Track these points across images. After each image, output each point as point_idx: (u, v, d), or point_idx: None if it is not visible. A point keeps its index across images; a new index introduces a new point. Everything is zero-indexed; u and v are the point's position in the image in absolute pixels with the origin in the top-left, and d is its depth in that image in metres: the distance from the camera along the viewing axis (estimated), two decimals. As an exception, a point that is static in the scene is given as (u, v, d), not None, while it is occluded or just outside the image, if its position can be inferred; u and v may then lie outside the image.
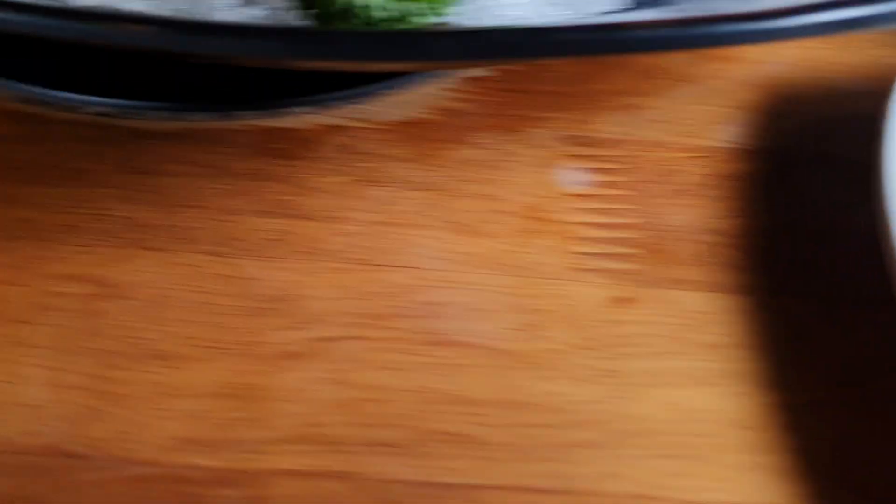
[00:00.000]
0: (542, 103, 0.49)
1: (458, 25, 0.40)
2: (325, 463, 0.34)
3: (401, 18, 0.37)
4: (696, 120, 0.48)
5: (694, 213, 0.44)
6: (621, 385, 0.37)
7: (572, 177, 0.45)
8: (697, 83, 0.51)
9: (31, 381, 0.35)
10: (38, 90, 0.43)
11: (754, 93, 0.50)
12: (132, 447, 0.34)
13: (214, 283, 0.38)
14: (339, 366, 0.37)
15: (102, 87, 0.44)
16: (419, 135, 0.46)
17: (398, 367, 0.37)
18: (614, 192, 0.44)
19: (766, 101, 0.50)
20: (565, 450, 0.35)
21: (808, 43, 0.53)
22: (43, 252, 0.39)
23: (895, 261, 0.36)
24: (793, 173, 0.45)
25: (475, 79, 0.49)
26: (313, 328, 0.38)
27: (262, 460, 0.34)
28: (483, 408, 0.36)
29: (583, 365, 0.38)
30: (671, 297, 0.40)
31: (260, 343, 0.37)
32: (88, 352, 0.36)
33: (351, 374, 0.37)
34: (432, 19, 0.38)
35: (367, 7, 0.36)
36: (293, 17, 0.39)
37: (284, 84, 0.46)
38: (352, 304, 0.39)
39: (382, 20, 0.36)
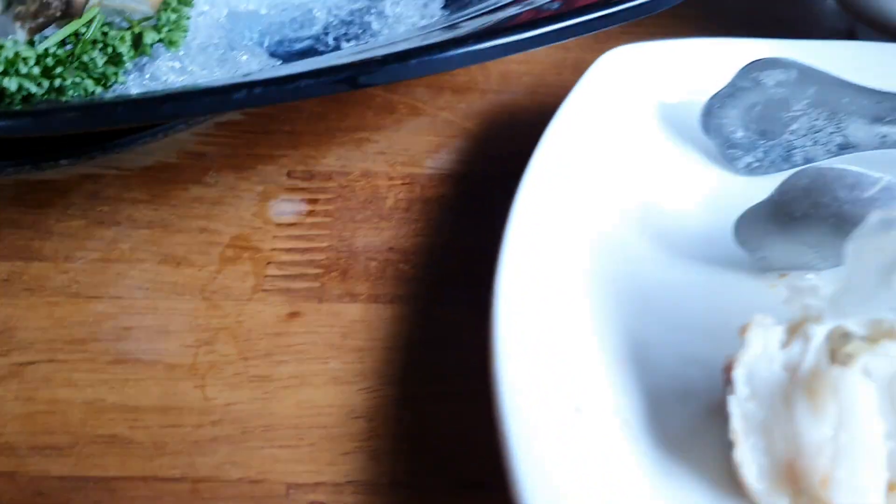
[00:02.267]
0: (278, 142, 0.55)
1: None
2: (-6, 465, 0.41)
3: (59, 89, 0.44)
4: (413, 150, 0.54)
5: (381, 235, 0.49)
6: (268, 388, 0.43)
7: (284, 208, 0.51)
8: (427, 115, 0.57)
9: None
10: None
11: (476, 122, 0.56)
12: None
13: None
14: (30, 385, 0.43)
15: None
16: (158, 178, 0.52)
17: (79, 384, 0.43)
18: (317, 219, 0.50)
19: (483, 130, 0.55)
20: (199, 444, 0.41)
21: (539, 72, 0.58)
22: None
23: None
24: (478, 196, 0.50)
25: (224, 123, 0.56)
26: (15, 354, 0.45)
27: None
28: (142, 414, 0.42)
29: (240, 373, 0.43)
30: (336, 309, 0.46)
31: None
32: None
33: (38, 391, 0.43)
34: (96, 90, 0.45)
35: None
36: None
37: (51, 141, 0.54)
38: (56, 332, 0.45)
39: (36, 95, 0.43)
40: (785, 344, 0.34)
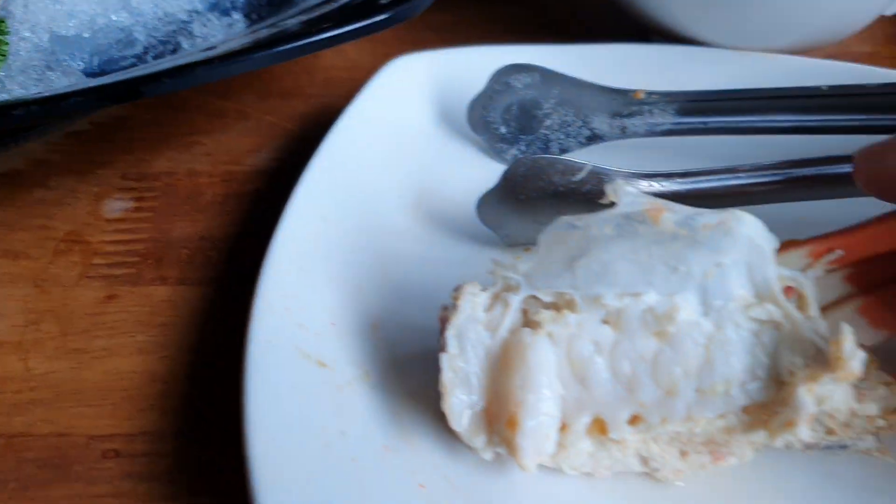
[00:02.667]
0: (117, 148, 0.62)
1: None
2: None
3: None
4: (236, 150, 0.61)
5: (196, 226, 0.56)
6: (82, 359, 0.49)
7: (115, 206, 0.58)
8: (253, 119, 0.63)
9: None
10: None
11: (297, 123, 0.62)
12: None
13: None
14: None
15: None
16: (4, 183, 0.59)
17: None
18: (142, 214, 0.57)
19: (303, 130, 0.62)
20: (17, 406, 0.47)
21: (362, 77, 0.64)
22: None
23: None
24: (288, 189, 0.57)
25: (72, 133, 0.63)
26: None
27: None
28: (-33, 386, 0.49)
29: (59, 347, 0.50)
30: (148, 291, 0.52)
31: None
32: None
33: None
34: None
35: None
36: None
37: None
38: None
39: None
40: (488, 308, 0.41)
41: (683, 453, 0.40)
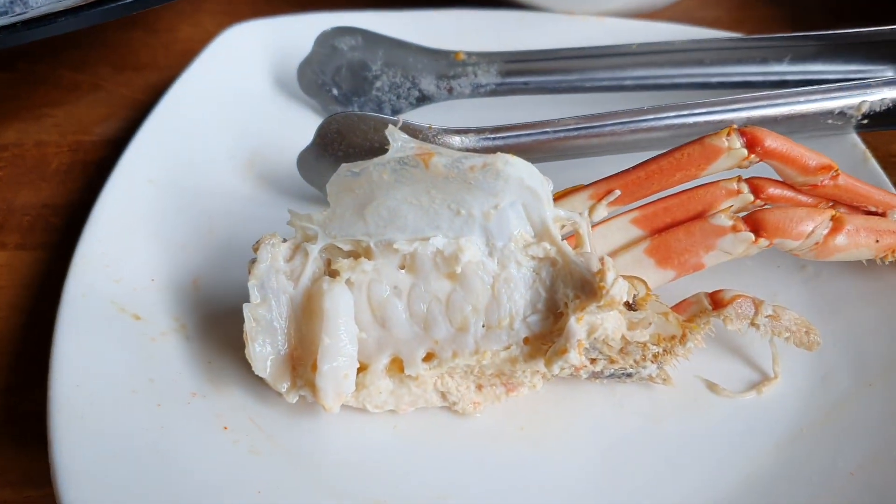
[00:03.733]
0: (-33, 122, 0.62)
1: None
2: None
3: None
4: (86, 121, 0.61)
5: (40, 194, 0.56)
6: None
7: (-41, 177, 0.58)
8: (106, 91, 0.64)
9: None
10: None
11: (149, 94, 0.63)
12: None
13: None
14: None
15: None
16: None
17: None
18: (-11, 184, 0.58)
19: (153, 101, 0.63)
20: None
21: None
22: None
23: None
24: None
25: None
26: None
27: None
28: None
29: None
30: (-13, 258, 0.53)
31: None
32: None
33: None
34: None
35: None
36: None
37: None
38: None
39: None
40: (289, 258, 0.43)
41: (479, 386, 0.42)
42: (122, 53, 0.66)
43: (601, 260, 0.39)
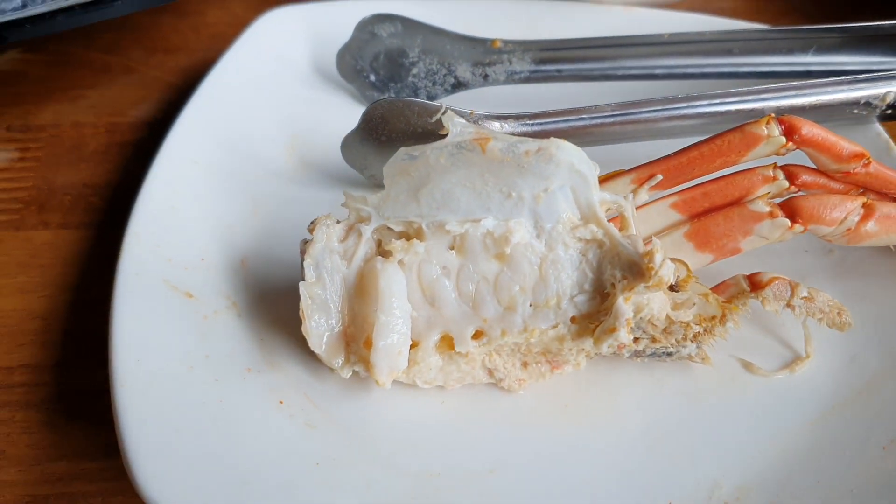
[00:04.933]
0: (4, 102, 0.62)
1: None
2: None
3: None
4: (120, 103, 0.62)
5: (79, 174, 0.57)
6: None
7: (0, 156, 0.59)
8: (138, 73, 0.65)
9: None
10: None
11: (181, 77, 0.64)
12: None
13: None
14: None
15: None
16: None
17: None
18: (26, 164, 0.58)
19: (186, 84, 0.64)
20: None
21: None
22: None
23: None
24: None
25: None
26: None
27: None
28: None
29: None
30: (30, 235, 0.54)
31: None
32: None
33: None
34: None
35: None
36: None
37: None
38: None
39: None
40: (342, 239, 0.44)
41: (524, 364, 0.44)
42: (153, 36, 0.66)
43: (647, 241, 0.40)
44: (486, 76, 0.55)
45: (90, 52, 0.65)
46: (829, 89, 0.52)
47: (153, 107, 0.61)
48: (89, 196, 0.55)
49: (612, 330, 0.40)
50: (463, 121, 0.40)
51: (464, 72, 0.55)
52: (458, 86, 0.56)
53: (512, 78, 0.56)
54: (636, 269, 0.40)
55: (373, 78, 0.56)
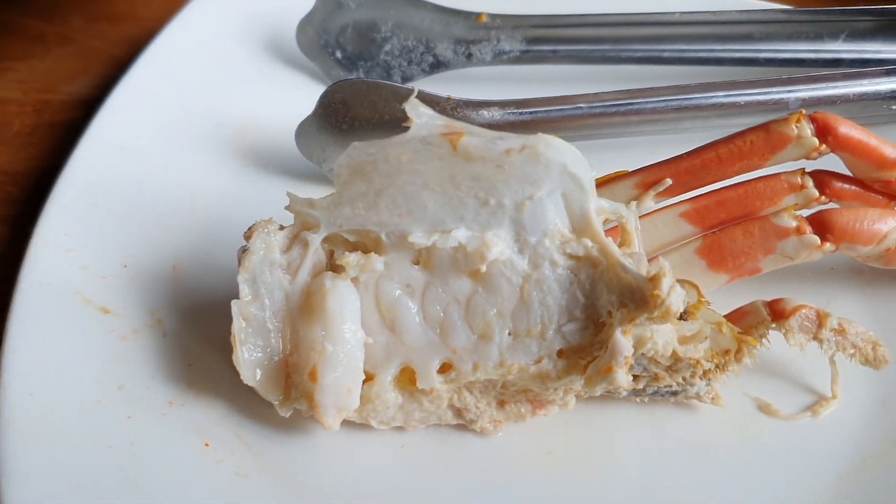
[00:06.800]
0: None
1: None
2: None
3: None
4: (54, 78, 0.55)
5: (0, 159, 0.50)
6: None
7: None
8: (76, 44, 0.57)
9: None
10: None
11: (125, 49, 0.57)
12: None
13: None
14: None
15: None
16: None
17: None
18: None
19: (130, 56, 0.56)
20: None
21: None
22: None
23: None
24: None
25: None
26: None
27: None
28: None
29: None
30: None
31: None
32: None
33: None
34: None
35: None
36: None
37: None
38: None
39: None
40: (286, 249, 0.36)
41: (500, 402, 0.37)
42: (96, 2, 0.59)
43: (653, 259, 0.33)
44: (469, 55, 0.48)
45: (23, 17, 0.57)
46: (862, 81, 0.46)
47: (90, 83, 0.54)
48: (7, 185, 0.48)
49: (608, 371, 0.33)
50: (430, 111, 0.32)
51: (444, 50, 0.48)
52: (438, 66, 0.49)
53: (499, 58, 0.49)
54: (638, 296, 0.33)
55: (339, 55, 0.49)
